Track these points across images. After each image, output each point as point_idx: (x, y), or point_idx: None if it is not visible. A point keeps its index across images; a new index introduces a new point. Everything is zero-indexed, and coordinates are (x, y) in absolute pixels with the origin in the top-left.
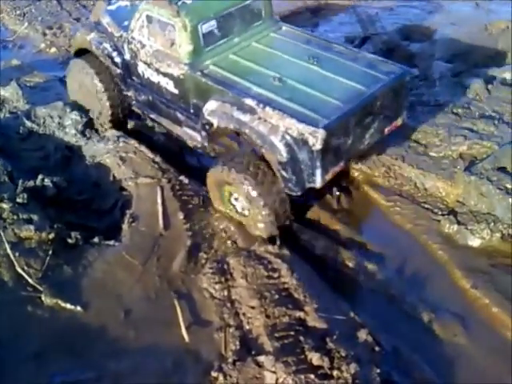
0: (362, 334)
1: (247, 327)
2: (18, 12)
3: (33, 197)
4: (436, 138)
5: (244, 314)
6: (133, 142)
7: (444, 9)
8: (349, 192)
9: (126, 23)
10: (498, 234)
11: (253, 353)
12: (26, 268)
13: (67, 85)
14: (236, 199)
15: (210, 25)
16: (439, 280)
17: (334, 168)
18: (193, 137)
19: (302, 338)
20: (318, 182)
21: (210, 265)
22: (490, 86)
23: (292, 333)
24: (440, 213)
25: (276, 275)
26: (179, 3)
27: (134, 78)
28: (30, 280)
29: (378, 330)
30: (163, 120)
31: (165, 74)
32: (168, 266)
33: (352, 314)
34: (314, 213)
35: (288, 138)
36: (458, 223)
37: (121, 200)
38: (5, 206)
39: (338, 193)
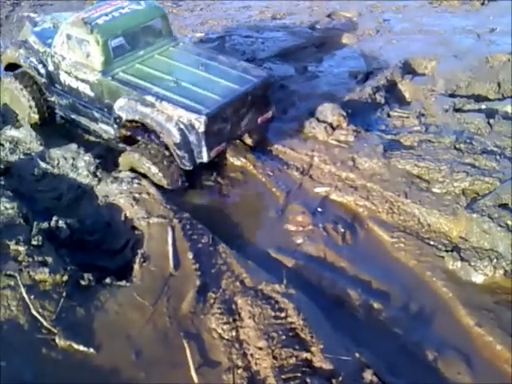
0: (368, 375)
1: (255, 368)
2: None
3: (47, 238)
4: (439, 174)
5: (252, 355)
6: (145, 183)
7: (446, 41)
8: (354, 228)
9: (49, 41)
10: (501, 271)
11: None
12: (40, 311)
13: (1, 94)
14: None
15: (119, 40)
16: (443, 317)
17: (218, 147)
18: (107, 131)
19: (308, 380)
20: (205, 158)
21: (219, 305)
22: (491, 121)
23: (299, 374)
24: (444, 249)
25: (283, 315)
26: (93, 23)
27: (56, 85)
28: (44, 322)
29: (383, 370)
30: (82, 119)
31: (82, 80)
32: (178, 306)
33: (357, 354)
34: (320, 250)
35: (180, 124)
36: (462, 259)
37: (132, 240)
38: (21, 248)
39: (342, 230)
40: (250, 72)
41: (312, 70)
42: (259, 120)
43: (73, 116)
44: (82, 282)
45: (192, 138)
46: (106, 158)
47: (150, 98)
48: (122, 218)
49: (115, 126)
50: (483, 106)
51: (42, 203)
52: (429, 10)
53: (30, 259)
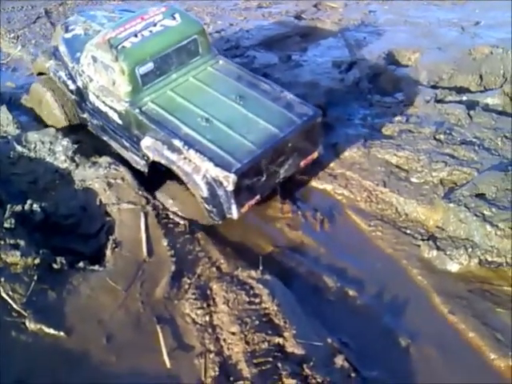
0: (339, 360)
1: (227, 353)
2: (11, 35)
3: (20, 222)
4: (417, 164)
5: (224, 340)
6: (122, 169)
7: (431, 33)
8: (332, 216)
9: (78, 54)
10: (476, 260)
11: (231, 379)
12: (10, 293)
13: (28, 99)
14: None
15: (148, 67)
16: (418, 305)
17: (250, 202)
18: (137, 161)
19: (279, 365)
20: (235, 215)
21: (193, 290)
22: (471, 112)
23: (270, 359)
24: (420, 238)
25: (257, 300)
26: (119, 47)
27: (87, 103)
28: (14, 305)
29: (355, 356)
30: (112, 143)
31: (110, 107)
32: (151, 291)
33: (329, 340)
34: (298, 236)
35: (208, 177)
36: (438, 248)
37: (106, 224)
38: None
39: (321, 217)
40: (293, 109)
41: (296, 59)
42: (302, 163)
43: (104, 138)
44: (55, 266)
45: (221, 193)
46: (85, 143)
47: (177, 143)
48: (97, 203)
49: (143, 161)
50: (464, 98)
51: (18, 186)
52: (415, 2)
53: (2, 242)
